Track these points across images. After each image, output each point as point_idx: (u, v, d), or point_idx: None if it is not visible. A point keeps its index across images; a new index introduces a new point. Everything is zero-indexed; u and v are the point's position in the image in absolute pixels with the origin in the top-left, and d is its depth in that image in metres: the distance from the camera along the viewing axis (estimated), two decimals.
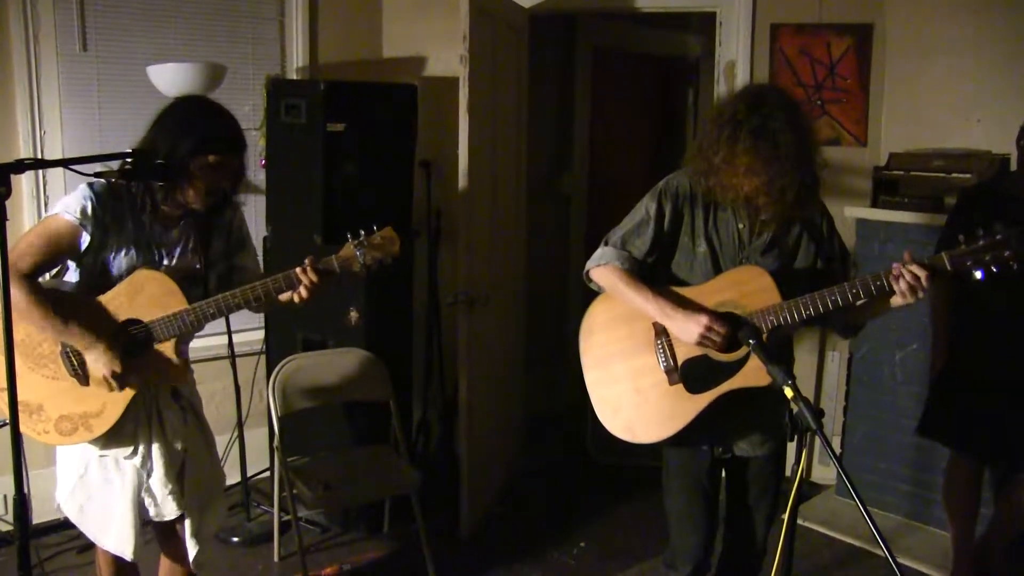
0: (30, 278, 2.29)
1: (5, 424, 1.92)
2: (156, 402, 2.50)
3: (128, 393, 2.38)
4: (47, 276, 2.41)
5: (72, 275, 2.42)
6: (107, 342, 2.33)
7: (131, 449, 2.47)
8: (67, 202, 2.34)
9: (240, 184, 2.54)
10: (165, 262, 2.43)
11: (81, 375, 2.37)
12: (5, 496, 3.74)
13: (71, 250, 2.35)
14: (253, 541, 3.79)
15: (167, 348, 2.40)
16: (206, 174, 2.34)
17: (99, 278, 2.38)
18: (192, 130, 2.34)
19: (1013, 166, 3.46)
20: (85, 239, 2.33)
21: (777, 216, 2.37)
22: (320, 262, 2.42)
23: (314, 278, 2.39)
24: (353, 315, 2.56)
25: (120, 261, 2.38)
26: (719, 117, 2.37)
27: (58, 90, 3.70)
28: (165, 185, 2.34)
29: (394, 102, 4.01)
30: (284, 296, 2.46)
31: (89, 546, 3.55)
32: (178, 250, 2.46)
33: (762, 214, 2.38)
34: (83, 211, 2.32)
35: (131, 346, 2.38)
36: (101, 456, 2.47)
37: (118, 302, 2.36)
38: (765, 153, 2.26)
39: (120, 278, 2.36)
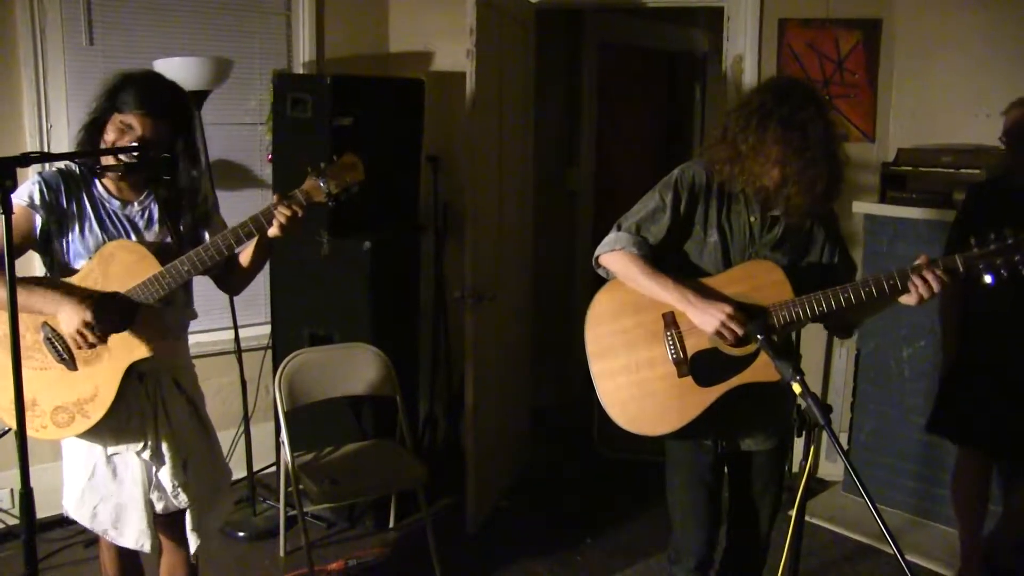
0: None
1: (7, 431, 1.91)
2: (160, 393, 2.49)
3: (118, 371, 2.34)
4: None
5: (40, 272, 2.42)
6: (76, 300, 2.28)
7: (141, 444, 2.46)
8: (18, 191, 2.36)
9: (193, 167, 2.48)
10: (133, 237, 2.42)
11: (68, 360, 2.35)
12: (12, 491, 3.74)
13: (28, 234, 2.35)
14: (259, 536, 3.79)
15: (148, 316, 2.36)
16: (116, 136, 2.32)
17: (68, 271, 2.37)
18: (112, 93, 2.35)
19: None
20: (39, 221, 2.35)
21: (804, 207, 2.33)
22: (285, 197, 2.39)
23: (295, 210, 2.34)
24: (323, 242, 2.53)
25: (86, 240, 2.37)
26: (746, 106, 2.36)
27: (64, 84, 3.71)
28: (91, 151, 2.34)
29: (401, 97, 4.00)
30: (254, 243, 2.45)
31: (96, 540, 3.57)
32: (142, 223, 2.44)
33: (789, 206, 2.34)
34: (31, 196, 2.34)
35: (113, 320, 2.35)
36: (112, 455, 2.47)
37: (93, 278, 2.35)
38: (796, 143, 2.25)
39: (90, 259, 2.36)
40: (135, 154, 2.27)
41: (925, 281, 2.22)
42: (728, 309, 2.31)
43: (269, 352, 4.12)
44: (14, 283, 1.86)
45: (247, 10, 4.17)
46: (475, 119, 3.61)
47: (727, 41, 4.34)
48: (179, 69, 3.58)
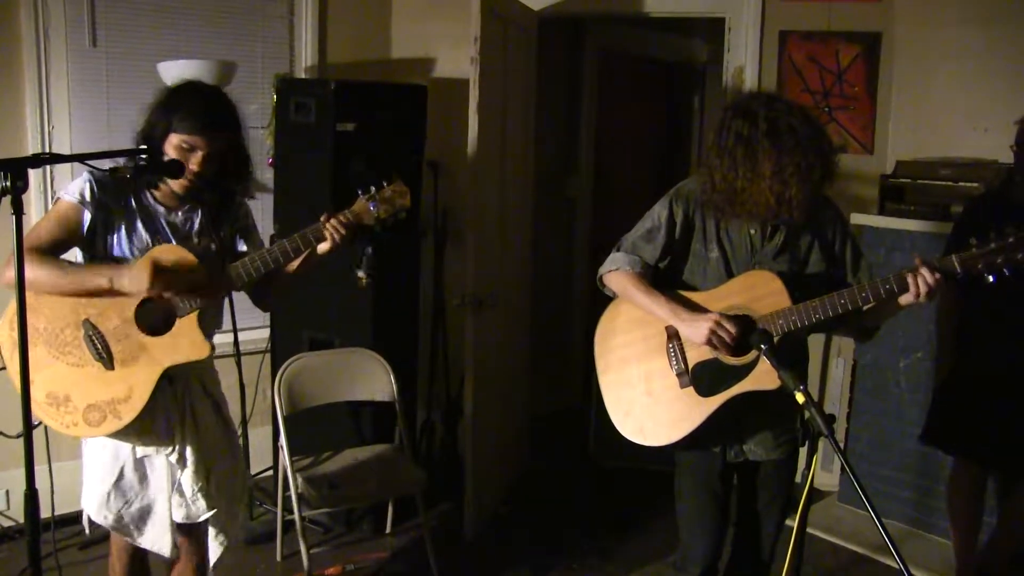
0: (43, 251, 2.29)
1: (37, 425, 1.93)
2: (189, 397, 2.50)
3: (154, 373, 2.35)
4: None
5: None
6: (133, 262, 2.30)
7: (171, 447, 2.47)
8: (70, 187, 2.39)
9: (242, 172, 2.50)
10: (175, 243, 2.42)
11: (106, 359, 2.34)
12: (7, 492, 3.73)
13: (76, 230, 2.35)
14: (256, 540, 3.79)
15: (189, 321, 2.37)
16: (180, 156, 2.32)
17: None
18: (166, 111, 2.35)
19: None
20: (87, 218, 2.35)
21: (807, 201, 2.31)
22: (334, 216, 2.42)
23: (344, 225, 2.40)
24: (361, 275, 2.57)
25: (132, 242, 2.38)
26: (724, 145, 2.35)
27: (67, 85, 3.71)
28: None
29: (404, 102, 4.01)
30: (295, 262, 2.48)
31: (92, 542, 3.56)
32: (184, 231, 2.45)
33: (793, 207, 2.31)
34: (82, 193, 2.35)
35: (154, 322, 2.36)
36: (141, 457, 2.47)
37: None
38: (788, 144, 2.25)
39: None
40: (143, 156, 2.28)
41: (918, 283, 2.23)
42: (715, 317, 2.35)
43: (268, 356, 4.12)
44: (23, 283, 1.85)
45: (250, 14, 4.17)
46: (479, 126, 3.61)
47: (728, 52, 4.35)
48: (182, 71, 3.58)
